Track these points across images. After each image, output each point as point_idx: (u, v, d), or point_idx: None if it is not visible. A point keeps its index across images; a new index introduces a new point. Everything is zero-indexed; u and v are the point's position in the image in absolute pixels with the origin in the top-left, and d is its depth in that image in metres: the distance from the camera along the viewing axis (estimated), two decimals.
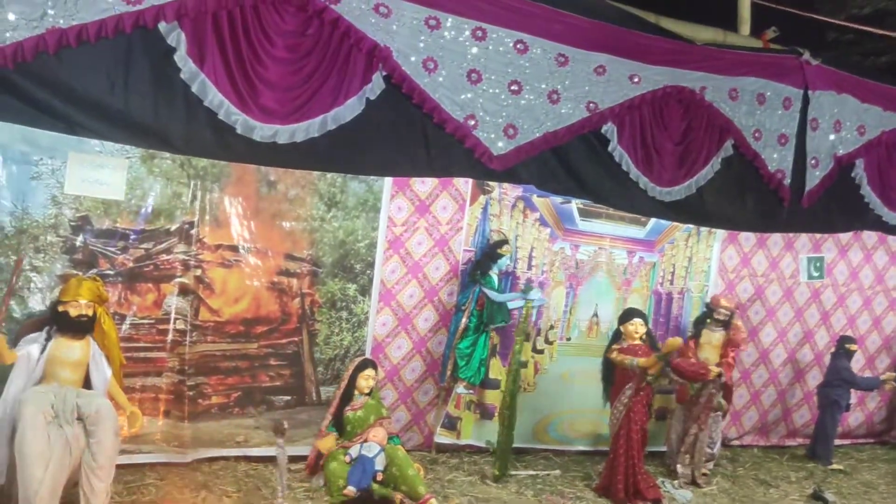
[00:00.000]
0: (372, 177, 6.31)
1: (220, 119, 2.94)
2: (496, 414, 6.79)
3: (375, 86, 3.20)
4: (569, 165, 3.83)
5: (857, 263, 8.76)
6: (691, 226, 7.81)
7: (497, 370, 6.96)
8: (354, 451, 5.62)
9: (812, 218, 4.73)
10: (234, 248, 5.87)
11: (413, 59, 3.28)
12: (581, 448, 7.36)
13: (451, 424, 6.92)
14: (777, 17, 5.10)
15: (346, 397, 5.86)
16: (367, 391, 5.89)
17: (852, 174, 4.86)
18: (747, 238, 8.24)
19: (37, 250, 5.15)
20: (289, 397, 6.16)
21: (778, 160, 4.52)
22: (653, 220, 7.61)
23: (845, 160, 4.80)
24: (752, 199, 4.49)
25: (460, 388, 6.73)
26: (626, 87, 3.90)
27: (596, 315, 7.50)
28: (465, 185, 6.74)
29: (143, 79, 2.81)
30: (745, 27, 4.73)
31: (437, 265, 6.75)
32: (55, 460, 4.46)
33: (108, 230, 5.40)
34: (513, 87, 3.59)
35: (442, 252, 6.77)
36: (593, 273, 7.49)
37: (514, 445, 6.99)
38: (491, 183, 6.85)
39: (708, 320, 7.26)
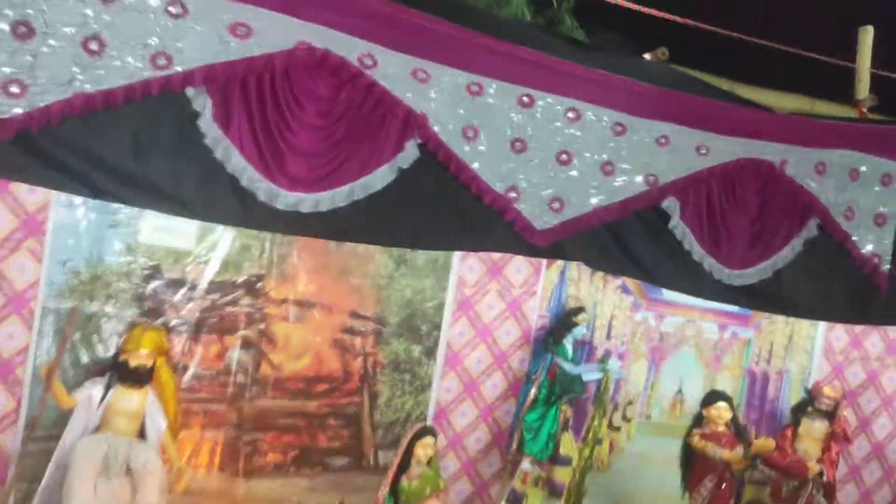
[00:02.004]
0: None
1: (242, 186, 2.86)
2: (564, 492, 6.38)
3: (409, 154, 3.05)
4: (623, 243, 3.53)
5: None
6: None
7: (569, 446, 6.55)
8: None
9: None
10: (300, 303, 5.82)
11: (451, 126, 3.12)
12: None
13: (516, 500, 6.53)
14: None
15: (403, 466, 5.65)
16: (425, 461, 5.66)
17: None
18: None
19: (108, 297, 5.25)
20: (346, 460, 5.99)
21: (874, 242, 4.01)
22: None
23: None
24: (840, 286, 4.00)
25: (526, 464, 6.37)
26: (691, 158, 3.57)
27: (680, 392, 6.99)
28: None
29: (166, 143, 2.78)
30: (864, 88, 4.29)
31: (508, 330, 6.48)
32: None
33: (178, 280, 5.46)
34: (562, 158, 3.34)
35: (514, 316, 6.50)
36: (679, 347, 7.01)
37: None
38: None
39: (809, 409, 6.61)
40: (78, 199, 4.99)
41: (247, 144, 2.83)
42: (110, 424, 4.78)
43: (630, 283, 6.80)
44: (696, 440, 5.90)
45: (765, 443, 5.63)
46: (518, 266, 6.47)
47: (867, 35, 4.13)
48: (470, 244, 3.68)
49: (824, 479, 6.25)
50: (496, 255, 6.39)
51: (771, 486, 6.70)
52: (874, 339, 7.61)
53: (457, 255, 6.24)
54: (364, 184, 3.01)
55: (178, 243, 5.44)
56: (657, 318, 6.91)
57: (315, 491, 5.91)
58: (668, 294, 6.94)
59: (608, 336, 6.76)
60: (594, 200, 3.38)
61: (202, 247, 5.52)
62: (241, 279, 5.64)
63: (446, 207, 3.20)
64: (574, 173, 3.33)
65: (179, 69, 2.76)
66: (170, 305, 5.43)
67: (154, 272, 5.39)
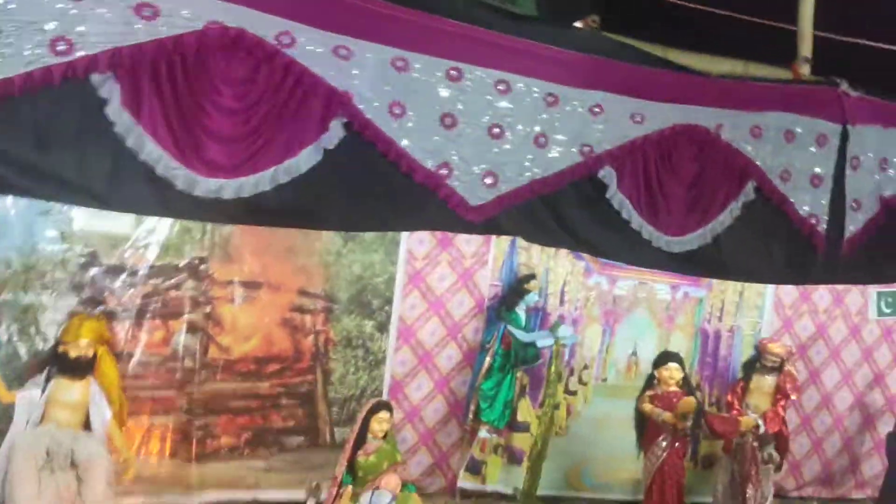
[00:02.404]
0: None
1: (158, 174, 2.74)
2: (525, 459, 6.42)
3: (333, 134, 2.95)
4: (559, 215, 3.47)
5: None
6: None
7: (526, 412, 6.58)
8: (365, 499, 5.36)
9: (855, 267, 4.19)
10: (246, 284, 5.71)
11: (377, 103, 3.01)
12: (619, 497, 6.89)
13: (475, 469, 6.57)
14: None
15: (360, 441, 5.62)
16: (381, 435, 5.63)
17: None
18: None
19: (44, 287, 5.09)
20: (301, 439, 5.96)
21: (811, 203, 4.01)
22: None
23: (894, 202, 4.24)
24: (779, 248, 3.99)
25: (483, 432, 6.39)
26: (626, 127, 3.51)
27: (635, 354, 7.05)
28: None
29: (72, 133, 2.64)
30: (806, 68, 4.26)
31: (460, 301, 6.45)
32: None
33: (117, 266, 5.31)
34: (493, 131, 3.26)
35: (466, 287, 6.47)
36: (632, 309, 7.04)
37: (546, 493, 6.63)
38: None
39: (758, 365, 6.71)
40: None
41: (161, 131, 2.70)
42: (52, 417, 4.67)
43: None
44: (646, 404, 5.96)
45: (687, 401, 5.73)
46: (468, 237, 6.40)
47: None
48: (403, 224, 3.61)
49: (761, 430, 6.33)
50: None
51: (724, 441, 6.82)
52: (822, 292, 7.72)
53: None
54: (288, 167, 2.90)
55: (114, 229, 5.30)
56: (610, 281, 6.92)
57: (272, 471, 5.88)
58: None
59: (561, 302, 6.77)
60: (529, 173, 3.31)
61: (140, 231, 5.38)
62: (183, 262, 5.52)
63: (377, 188, 3.11)
64: (507, 147, 3.26)
65: (82, 54, 2.62)
66: (110, 293, 5.31)
67: (91, 259, 5.25)
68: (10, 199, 4.96)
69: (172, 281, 5.49)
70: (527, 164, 3.32)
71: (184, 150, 2.73)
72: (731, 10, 3.87)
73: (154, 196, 2.78)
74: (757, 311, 7.47)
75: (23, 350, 5.09)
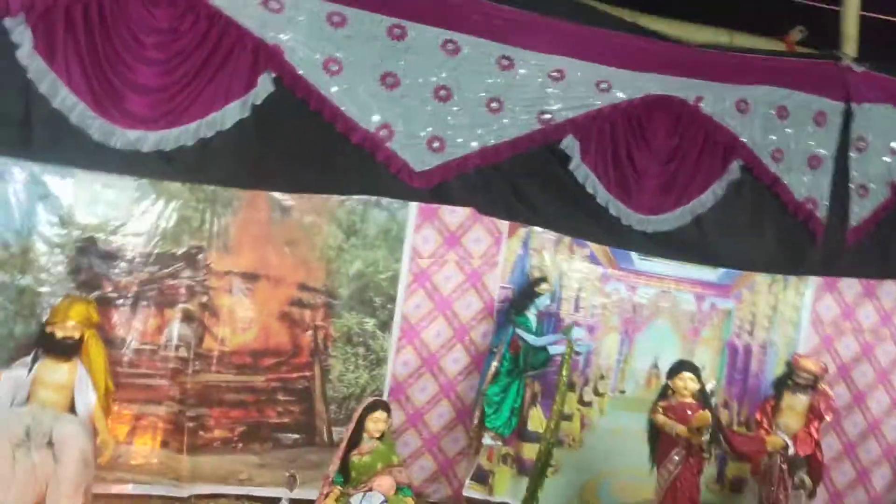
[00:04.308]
0: (395, 204, 5.96)
1: (72, 123, 2.68)
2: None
3: (262, 89, 2.85)
4: (516, 187, 3.26)
5: None
6: None
7: (537, 422, 6.30)
8: (356, 500, 5.19)
9: (860, 259, 3.81)
10: (244, 276, 5.67)
11: (311, 59, 2.90)
12: None
13: (482, 478, 6.32)
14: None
15: (355, 441, 5.46)
16: (377, 435, 5.46)
17: None
18: (850, 286, 7.10)
19: (41, 270, 5.15)
20: (297, 436, 5.84)
21: (808, 186, 3.67)
22: None
23: None
24: (771, 234, 3.66)
25: (488, 439, 6.13)
26: (591, 94, 3.30)
27: (656, 367, 6.68)
28: None
29: None
30: (851, 46, 3.90)
31: (468, 302, 6.25)
32: (18, 486, 4.38)
33: (114, 252, 5.34)
34: (440, 94, 3.11)
35: (475, 288, 6.27)
36: (653, 319, 6.69)
37: None
38: None
39: (790, 382, 6.25)
40: (5, 172, 4.92)
41: (76, 79, 2.66)
42: (38, 397, 4.68)
43: (599, 252, 6.50)
44: (659, 415, 5.61)
45: (702, 416, 5.33)
46: (477, 236, 6.23)
47: None
48: (340, 188, 3.46)
49: (790, 452, 5.88)
50: (453, 226, 6.16)
51: (751, 463, 6.37)
52: (868, 309, 7.18)
53: (410, 225, 6.03)
54: (212, 121, 2.82)
55: (113, 215, 5.35)
56: (629, 288, 6.61)
57: (265, 467, 5.77)
58: (641, 264, 6.63)
59: (576, 308, 6.49)
60: (479, 140, 3.13)
61: (138, 218, 5.40)
62: (181, 251, 5.52)
63: (312, 148, 2.99)
64: (455, 110, 3.10)
65: None
66: (106, 278, 5.33)
67: (88, 245, 5.30)
68: (10, 184, 5.05)
69: (169, 269, 5.49)
70: (478, 130, 3.16)
71: (101, 100, 2.68)
72: None
73: (67, 146, 2.73)
74: (793, 326, 6.99)
75: (18, 332, 5.13)
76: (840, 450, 7.18)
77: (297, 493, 5.52)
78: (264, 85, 2.87)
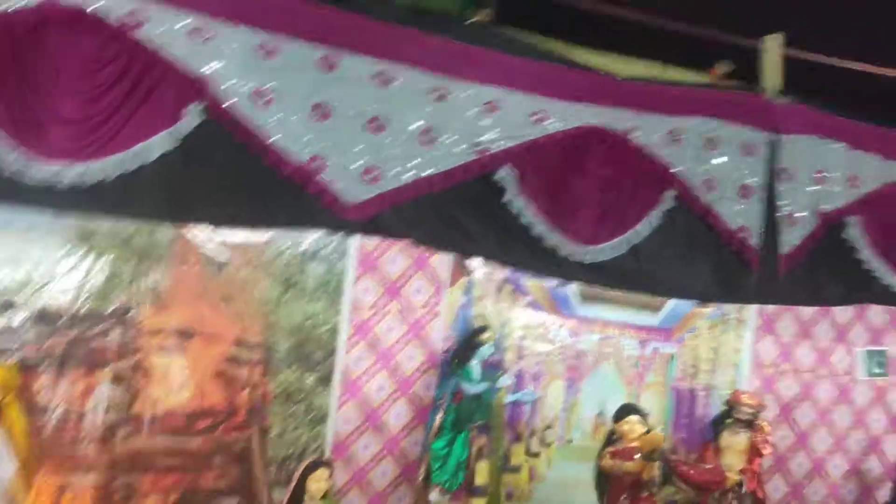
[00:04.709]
0: (333, 256, 5.89)
1: None
2: None
3: (189, 120, 2.79)
4: (453, 218, 3.24)
5: None
6: (717, 313, 6.98)
7: (485, 475, 6.13)
8: None
9: (793, 287, 3.88)
10: (178, 333, 5.47)
11: (240, 90, 2.87)
12: None
13: None
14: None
15: (296, 503, 5.23)
16: (319, 495, 5.24)
17: (843, 235, 4.02)
18: (786, 327, 7.27)
19: None
20: (236, 500, 5.54)
21: (741, 215, 3.76)
22: (669, 306, 6.84)
23: (834, 217, 3.97)
24: (706, 263, 3.71)
25: (435, 495, 5.94)
26: (525, 125, 3.32)
27: (602, 414, 6.63)
28: (441, 266, 6.22)
29: None
30: (774, 79, 4.00)
31: (410, 354, 6.14)
32: None
33: (37, 313, 5.10)
34: (373, 125, 3.09)
35: (417, 339, 6.17)
36: (598, 365, 6.68)
37: None
38: (472, 264, 6.31)
39: (729, 421, 6.28)
40: None
41: None
42: None
43: (541, 299, 6.53)
44: (604, 461, 5.54)
45: (653, 437, 5.29)
46: (418, 286, 6.18)
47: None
48: (271, 221, 3.38)
49: (744, 489, 5.87)
50: (393, 276, 6.11)
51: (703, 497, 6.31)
52: (804, 349, 7.35)
53: (350, 277, 5.95)
54: (136, 153, 2.74)
55: (33, 273, 5.12)
56: (572, 335, 6.60)
57: None
58: (583, 310, 6.67)
59: (520, 356, 6.43)
60: (414, 171, 3.12)
61: (65, 276, 5.19)
62: (110, 309, 5.29)
63: (241, 180, 2.92)
64: (388, 141, 3.08)
65: None
66: (27, 340, 5.06)
67: (6, 306, 5.03)
68: None
69: (97, 329, 5.25)
70: (412, 161, 3.13)
71: (19, 130, 2.57)
72: (643, 12, 3.72)
73: None
74: (734, 368, 7.07)
75: None
76: (787, 491, 7.19)
77: None
78: (192, 116, 2.80)
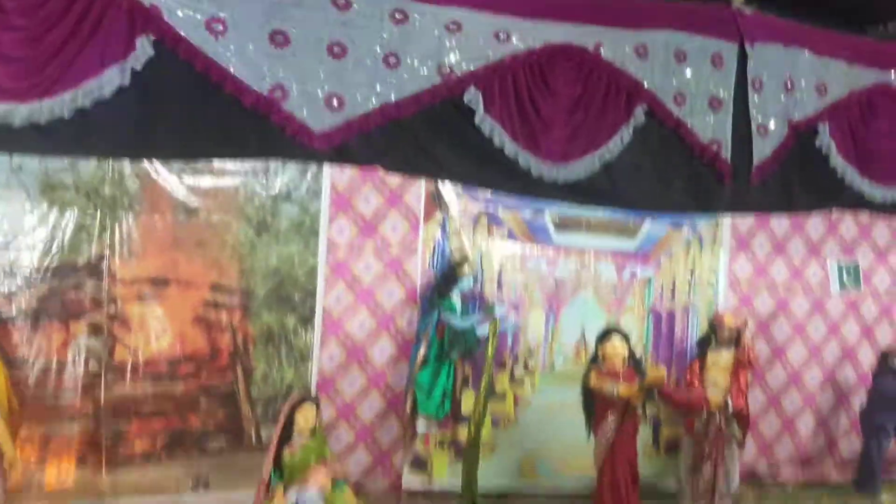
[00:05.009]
0: (305, 196, 5.84)
1: None
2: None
3: (141, 53, 2.71)
4: (422, 143, 3.20)
5: None
6: (690, 235, 7.03)
7: (471, 404, 6.22)
8: (292, 496, 5.02)
9: (765, 196, 3.91)
10: (152, 281, 5.43)
11: (192, 19, 2.78)
12: (576, 486, 6.48)
13: (420, 465, 6.22)
14: None
15: (284, 438, 5.29)
16: (307, 430, 5.30)
17: (816, 143, 4.03)
18: (761, 245, 7.34)
19: None
20: (224, 441, 5.61)
21: (713, 128, 3.74)
22: (644, 231, 6.88)
23: (804, 126, 3.97)
24: (679, 176, 3.72)
25: (422, 425, 6.04)
26: (490, 45, 3.26)
27: (583, 339, 6.71)
28: (416, 201, 6.20)
29: None
30: None
31: (390, 291, 6.15)
32: None
33: (7, 268, 5.04)
34: (334, 50, 3.02)
35: (396, 276, 6.18)
36: (577, 292, 6.74)
37: (500, 488, 6.26)
38: (447, 198, 6.29)
39: (713, 341, 6.38)
40: None
41: None
42: None
43: (517, 229, 6.54)
44: (593, 380, 5.62)
45: (656, 373, 5.38)
46: (394, 224, 6.17)
47: None
48: (237, 152, 3.33)
49: (730, 409, 6.01)
50: (367, 215, 6.08)
51: (684, 423, 6.46)
52: (779, 266, 7.44)
53: (324, 216, 5.90)
54: (88, 90, 2.66)
55: (1, 229, 5.04)
56: (550, 263, 6.63)
57: (193, 476, 5.52)
58: (560, 238, 6.70)
59: (499, 287, 6.47)
60: (379, 97, 3.06)
61: (31, 231, 5.11)
62: (82, 261, 5.24)
63: (202, 113, 2.86)
64: (351, 66, 3.01)
65: None
66: (1, 296, 5.01)
67: None
68: None
69: (71, 281, 5.21)
70: (377, 86, 3.07)
71: None
72: None
73: None
74: (711, 288, 7.15)
75: None
76: (765, 402, 7.37)
77: (232, 497, 5.34)
78: (143, 49, 2.71)
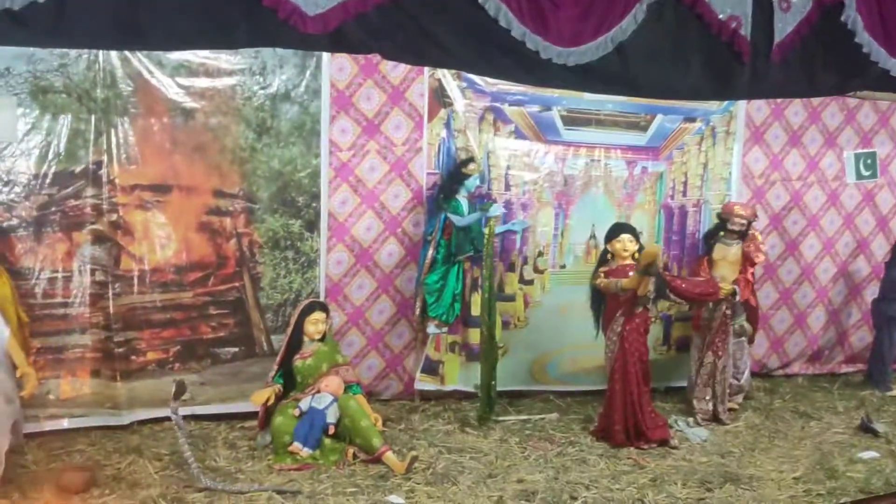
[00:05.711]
0: (305, 96, 5.63)
1: None
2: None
3: None
4: (423, 27, 2.98)
5: None
6: (703, 128, 6.81)
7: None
8: (305, 403, 5.08)
9: (787, 77, 3.69)
10: (153, 188, 5.30)
11: None
12: (587, 388, 6.52)
13: (432, 369, 6.23)
14: None
15: (295, 345, 5.29)
16: (317, 336, 5.30)
17: (842, 17, 3.78)
18: (776, 136, 7.13)
19: None
20: (236, 349, 5.61)
21: (731, 4, 3.50)
22: (655, 124, 6.66)
23: (828, 0, 3.72)
24: (697, 58, 3.49)
25: (432, 328, 6.02)
26: None
27: (594, 237, 6.60)
28: (419, 98, 5.98)
29: None
30: None
31: (395, 192, 6.02)
32: None
33: (5, 175, 4.91)
34: None
35: (401, 177, 6.03)
36: (586, 189, 6.58)
37: (511, 388, 6.30)
38: (451, 94, 6.06)
39: (721, 233, 6.28)
40: None
41: None
42: None
43: (525, 126, 6.33)
44: (600, 279, 5.54)
45: (650, 249, 5.27)
46: (397, 122, 5.97)
47: None
48: (227, 41, 3.13)
49: (737, 298, 5.95)
50: (369, 114, 5.88)
51: (692, 320, 6.44)
52: (794, 157, 7.24)
53: (325, 117, 5.71)
54: None
55: None
56: (558, 161, 6.45)
57: (207, 384, 5.55)
58: (568, 134, 6.49)
59: (507, 187, 6.31)
60: None
61: (24, 139, 4.95)
62: (79, 168, 5.10)
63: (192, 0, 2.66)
64: None
65: None
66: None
67: None
68: None
69: (69, 189, 5.08)
70: None
71: None
72: None
73: None
74: (724, 182, 6.99)
75: None
76: (777, 298, 7.33)
77: (244, 407, 5.37)
78: None
